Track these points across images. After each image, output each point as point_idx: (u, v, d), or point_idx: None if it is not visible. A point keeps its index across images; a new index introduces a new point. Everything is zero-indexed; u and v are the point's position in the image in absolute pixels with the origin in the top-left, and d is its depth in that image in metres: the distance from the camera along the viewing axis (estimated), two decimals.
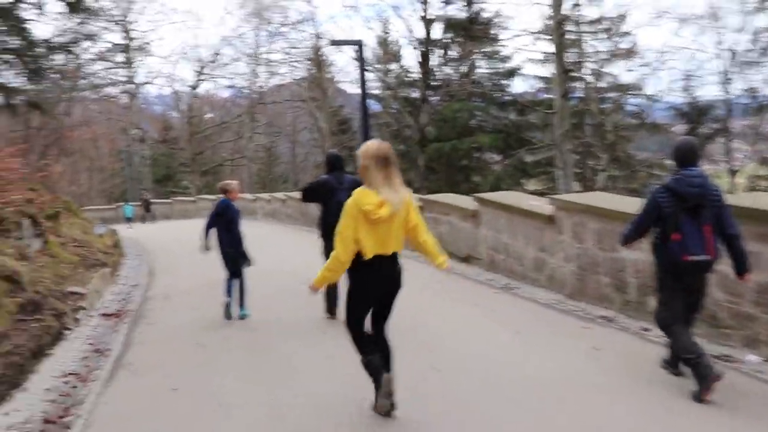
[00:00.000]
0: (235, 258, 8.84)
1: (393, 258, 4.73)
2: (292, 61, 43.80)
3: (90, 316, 9.78)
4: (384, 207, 4.50)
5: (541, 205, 9.31)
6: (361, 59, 19.34)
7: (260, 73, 45.85)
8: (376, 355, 4.83)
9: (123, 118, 51.77)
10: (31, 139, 22.15)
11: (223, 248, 8.89)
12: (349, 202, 4.59)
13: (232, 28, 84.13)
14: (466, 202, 12.17)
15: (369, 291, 4.82)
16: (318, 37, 38.56)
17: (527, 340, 6.92)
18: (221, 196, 9.08)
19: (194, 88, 48.19)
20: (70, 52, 25.06)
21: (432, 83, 31.06)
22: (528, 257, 9.49)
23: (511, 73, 30.16)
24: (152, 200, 39.88)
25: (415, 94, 33.27)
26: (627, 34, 28.32)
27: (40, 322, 7.93)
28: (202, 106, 56.61)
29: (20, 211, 11.87)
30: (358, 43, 19.45)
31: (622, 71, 33.43)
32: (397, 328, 7.67)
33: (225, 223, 8.81)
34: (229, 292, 8.82)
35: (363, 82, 19.32)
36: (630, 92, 28.44)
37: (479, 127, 30.57)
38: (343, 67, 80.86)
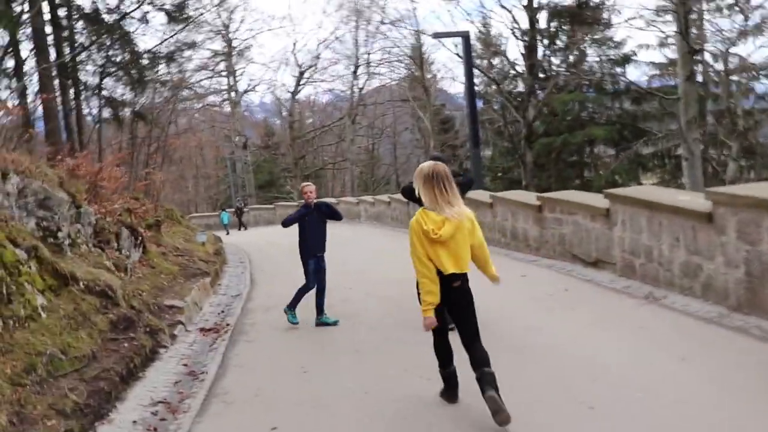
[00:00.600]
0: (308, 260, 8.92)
1: (460, 276, 4.82)
2: (392, 61, 43.09)
3: (187, 332, 9.11)
4: (445, 227, 4.61)
5: (693, 201, 7.94)
6: (467, 51, 18.25)
7: (360, 74, 45.34)
8: (452, 368, 5.11)
9: (226, 125, 52.57)
10: (135, 149, 22.23)
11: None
12: (412, 222, 4.77)
13: (331, 31, 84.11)
14: (594, 199, 10.86)
15: (449, 305, 4.92)
16: (419, 33, 37.61)
17: (699, 370, 5.50)
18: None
19: (295, 93, 48.30)
20: (173, 61, 25.26)
21: (538, 75, 29.50)
22: (676, 262, 8.13)
23: (625, 59, 28.18)
24: (245, 207, 40.03)
25: (521, 87, 31.81)
26: (758, 7, 25.78)
27: (132, 341, 7.26)
28: (303, 111, 56.85)
29: (120, 221, 11.43)
30: (464, 35, 18.38)
31: (751, 50, 30.68)
32: (523, 347, 6.62)
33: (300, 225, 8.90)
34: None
35: (470, 74, 18.25)
36: (763, 72, 25.90)
37: (590, 119, 28.78)
38: (444, 64, 79.40)
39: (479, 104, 48.69)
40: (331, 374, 6.39)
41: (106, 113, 23.73)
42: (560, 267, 11.35)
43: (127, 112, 23.80)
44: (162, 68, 25.20)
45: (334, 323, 8.64)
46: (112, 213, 11.31)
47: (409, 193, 7.57)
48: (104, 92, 22.16)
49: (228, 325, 9.40)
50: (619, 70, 28.28)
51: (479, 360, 4.71)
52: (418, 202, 7.34)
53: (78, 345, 6.35)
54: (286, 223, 8.97)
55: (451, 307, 4.94)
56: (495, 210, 14.72)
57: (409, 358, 6.50)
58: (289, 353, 7.37)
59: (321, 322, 8.72)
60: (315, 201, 8.92)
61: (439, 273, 4.70)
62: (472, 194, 16.70)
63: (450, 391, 5.15)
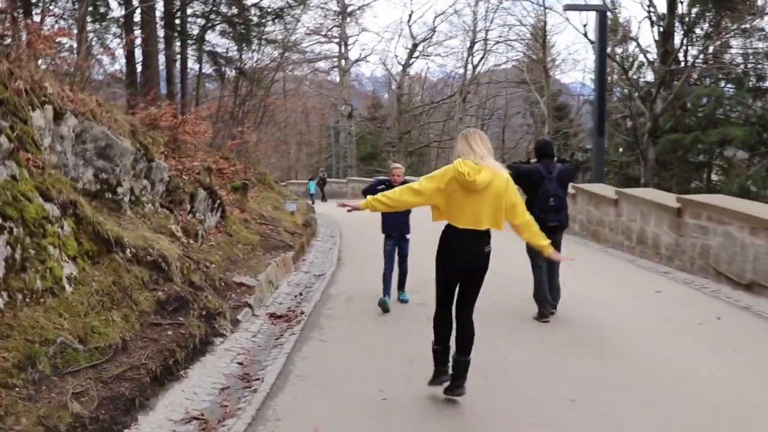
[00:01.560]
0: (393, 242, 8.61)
1: (484, 235, 4.63)
2: (511, 40, 40.76)
3: (255, 316, 7.80)
4: (482, 174, 4.46)
5: None
6: (602, 28, 16.19)
7: (476, 51, 43.20)
8: (446, 346, 4.85)
9: (333, 93, 51.62)
10: (230, 105, 21.26)
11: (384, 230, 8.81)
12: (448, 166, 4.63)
13: (450, 3, 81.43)
14: (758, 209, 8.85)
15: (453, 264, 4.70)
16: (546, 8, 35.04)
17: None
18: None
19: (406, 66, 46.60)
20: (281, 18, 24.11)
21: (672, 65, 26.76)
22: None
23: None
24: (327, 178, 38.91)
25: (649, 77, 29.12)
26: None
27: (180, 327, 5.95)
28: (413, 86, 55.22)
29: (197, 181, 10.24)
30: (601, 9, 16.29)
31: None
32: (677, 404, 4.86)
33: None
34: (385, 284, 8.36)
35: (603, 54, 16.26)
36: None
37: (725, 117, 25.87)
38: (563, 49, 75.57)
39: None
40: (417, 407, 4.86)
41: (209, 68, 22.93)
42: (700, 284, 9.41)
43: (230, 68, 22.89)
44: (270, 26, 24.11)
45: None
46: (190, 171, 10.11)
47: (516, 178, 6.64)
48: (207, 46, 21.26)
49: (302, 313, 8.02)
50: (766, 65, 25.23)
51: (463, 346, 4.76)
52: (522, 185, 6.95)
53: (105, 331, 5.06)
54: (365, 191, 8.18)
55: (465, 270, 4.70)
56: (620, 208, 12.78)
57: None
58: (367, 366, 5.87)
59: (399, 299, 8.52)
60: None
61: (454, 229, 4.61)
62: (592, 187, 14.82)
63: (439, 375, 4.91)
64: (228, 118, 20.05)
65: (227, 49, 22.84)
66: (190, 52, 22.07)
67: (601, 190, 14.30)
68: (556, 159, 7.42)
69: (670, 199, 11.23)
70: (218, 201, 10.60)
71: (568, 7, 19.01)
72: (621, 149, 36.42)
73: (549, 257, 5.11)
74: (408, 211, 8.03)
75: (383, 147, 56.63)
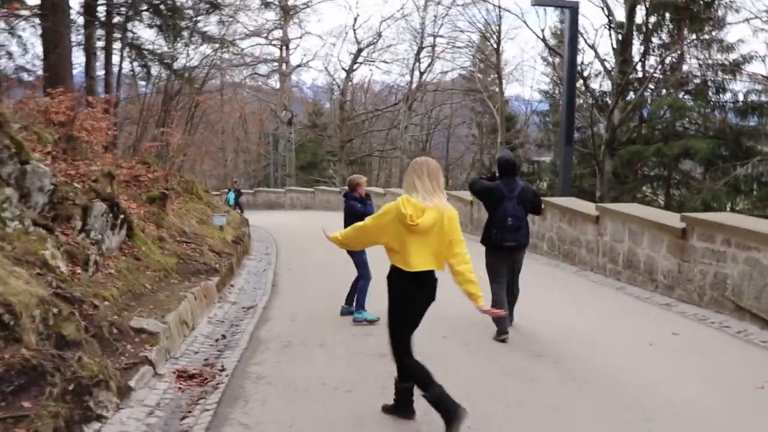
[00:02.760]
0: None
1: (432, 274, 4.47)
2: (460, 47, 39.13)
3: (157, 376, 5.70)
4: (426, 215, 4.30)
5: None
6: (573, 26, 14.57)
7: (423, 57, 41.40)
8: (441, 386, 4.33)
9: (273, 99, 49.34)
10: (161, 107, 18.96)
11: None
12: (392, 203, 4.43)
13: (398, 8, 79.33)
14: None
15: (412, 306, 4.50)
16: (501, 9, 33.27)
17: None
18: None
19: (350, 71, 44.60)
20: (217, 7, 21.91)
21: (629, 75, 25.48)
22: None
23: (736, 66, 23.97)
24: (242, 189, 35.84)
25: (605, 87, 27.80)
26: None
27: (18, 421, 3.83)
28: (356, 93, 53.32)
29: (93, 190, 8.05)
30: (573, 6, 14.63)
31: None
32: None
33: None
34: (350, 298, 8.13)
35: (573, 54, 14.65)
36: None
37: (684, 130, 24.70)
38: (510, 60, 74.60)
39: (545, 106, 44.85)
40: None
41: (134, 64, 20.58)
42: (718, 322, 7.72)
43: (157, 64, 20.57)
44: (204, 18, 21.88)
45: (376, 320, 7.58)
46: (85, 177, 7.93)
47: (476, 194, 7.59)
48: (131, 38, 18.90)
49: (222, 370, 5.97)
50: (726, 77, 24.09)
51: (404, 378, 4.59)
52: (483, 202, 7.34)
53: None
54: (351, 218, 7.72)
55: (422, 305, 4.53)
56: (602, 226, 11.09)
57: None
58: None
59: (361, 317, 7.83)
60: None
61: (401, 272, 4.41)
62: (565, 201, 13.18)
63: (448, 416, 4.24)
64: (151, 119, 17.75)
65: (154, 43, 20.57)
66: (117, 46, 19.77)
67: (576, 205, 12.62)
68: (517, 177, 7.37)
69: (670, 218, 9.55)
70: (122, 216, 8.43)
71: (538, 2, 17.36)
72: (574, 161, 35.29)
73: (480, 309, 4.48)
74: None
75: (324, 156, 54.61)
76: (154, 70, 21.13)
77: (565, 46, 15.18)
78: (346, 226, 7.43)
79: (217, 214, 14.13)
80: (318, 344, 6.77)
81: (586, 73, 26.92)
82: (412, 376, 4.52)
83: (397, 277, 4.47)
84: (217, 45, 22.56)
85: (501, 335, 6.75)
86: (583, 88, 26.69)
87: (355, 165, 51.14)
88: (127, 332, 6.08)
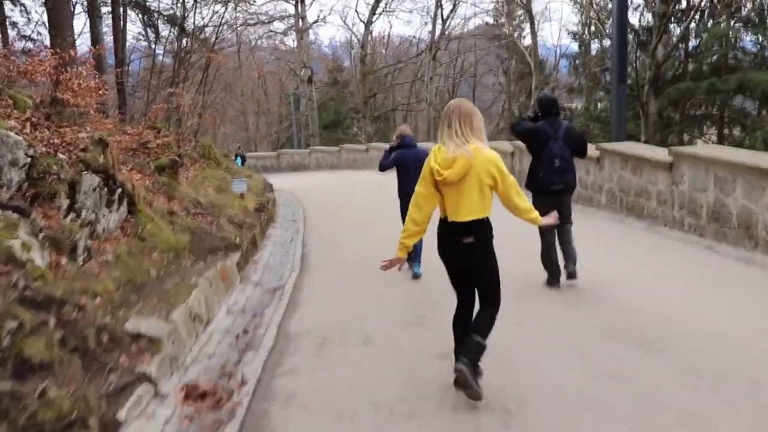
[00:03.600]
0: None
1: (469, 226, 4.06)
2: None
3: (158, 398, 4.43)
4: (455, 166, 3.97)
5: None
6: None
7: (445, 3, 39.28)
8: (466, 359, 3.96)
9: (291, 58, 47.66)
10: (173, 68, 17.57)
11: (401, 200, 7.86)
12: (428, 158, 4.20)
13: None
14: None
15: (445, 259, 4.26)
16: None
17: None
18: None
19: (368, 23, 42.63)
20: None
21: (672, 7, 23.44)
22: None
23: None
24: (245, 154, 34.29)
25: (645, 21, 25.71)
26: None
27: None
28: (376, 47, 51.40)
29: (82, 161, 6.72)
30: None
31: None
32: None
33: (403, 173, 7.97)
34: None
35: None
36: None
37: (737, 63, 22.71)
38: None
39: (574, 48, 42.63)
40: None
41: (141, 26, 19.23)
42: None
43: (166, 24, 19.17)
44: None
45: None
46: (72, 147, 6.59)
47: (520, 136, 7.07)
48: None
49: (243, 384, 4.68)
50: None
51: (477, 325, 4.15)
52: (528, 144, 6.99)
53: None
54: (382, 165, 8.30)
55: (466, 266, 4.19)
56: (677, 173, 9.57)
57: None
58: None
59: (414, 272, 7.72)
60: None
61: (445, 221, 4.16)
62: (627, 147, 11.66)
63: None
64: (161, 82, 16.40)
65: (161, 1, 19.14)
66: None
67: (641, 150, 11.08)
68: (561, 117, 6.96)
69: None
70: (120, 189, 7.11)
71: None
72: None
73: (544, 225, 4.54)
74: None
75: (347, 113, 53.04)
76: (163, 30, 19.80)
77: None
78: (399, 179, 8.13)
79: (237, 179, 12.81)
80: (361, 341, 5.43)
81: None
82: (453, 324, 4.35)
83: (440, 226, 4.22)
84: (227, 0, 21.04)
85: (553, 284, 6.81)
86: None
87: (380, 121, 49.57)
88: (120, 340, 4.80)
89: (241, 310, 6.89)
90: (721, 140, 23.15)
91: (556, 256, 6.80)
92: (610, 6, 40.73)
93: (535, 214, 4.28)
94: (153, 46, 18.70)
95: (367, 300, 6.70)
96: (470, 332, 4.11)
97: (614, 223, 10.84)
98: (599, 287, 6.66)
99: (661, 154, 10.28)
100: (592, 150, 12.66)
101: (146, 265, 6.66)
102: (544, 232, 6.66)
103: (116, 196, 7.03)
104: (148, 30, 20.20)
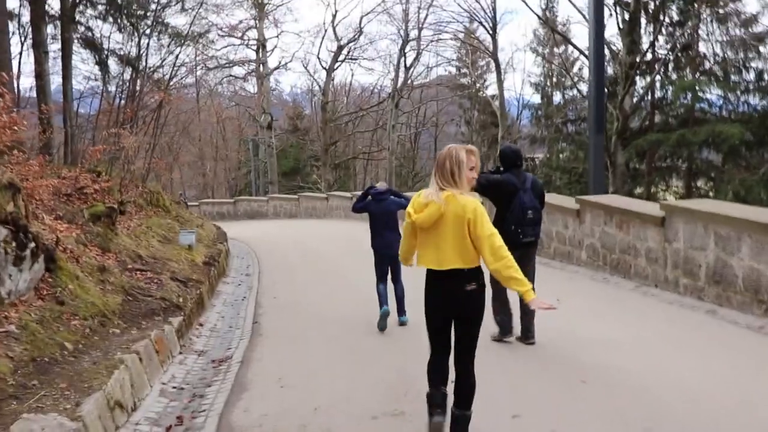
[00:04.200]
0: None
1: (451, 275, 3.97)
2: (445, 39, 36.74)
3: None
4: (426, 210, 3.97)
5: None
6: None
7: (408, 51, 38.78)
8: (440, 390, 4.07)
9: (251, 103, 46.81)
10: (120, 108, 16.45)
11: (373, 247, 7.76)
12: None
13: (379, 1, 76.31)
14: None
15: (428, 307, 4.15)
16: None
17: None
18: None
19: (330, 70, 42.01)
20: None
21: (639, 60, 23.14)
22: None
23: (759, 41, 21.61)
24: (188, 201, 32.91)
25: (610, 72, 25.33)
26: None
27: None
28: (338, 94, 50.86)
29: None
30: None
31: None
32: None
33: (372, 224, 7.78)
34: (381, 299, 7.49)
35: (600, 23, 12.24)
36: None
37: (704, 116, 22.41)
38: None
39: (537, 100, 42.59)
40: None
41: (88, 61, 18.16)
42: None
43: (115, 60, 18.10)
44: (170, 9, 19.45)
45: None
46: None
47: (485, 190, 6.51)
48: (81, 29, 16.42)
49: None
50: (749, 55, 21.81)
51: (462, 397, 4.08)
52: (492, 197, 6.64)
53: None
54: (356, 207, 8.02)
55: (438, 307, 4.11)
56: (670, 230, 8.72)
57: None
58: None
59: (400, 320, 7.64)
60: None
61: (429, 270, 4.12)
62: (612, 200, 10.87)
63: (432, 414, 4.06)
64: (110, 122, 15.26)
65: (111, 38, 18.06)
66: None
67: (629, 204, 10.26)
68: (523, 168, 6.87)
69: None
70: (34, 244, 5.95)
71: None
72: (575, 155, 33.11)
73: (531, 306, 4.02)
74: (397, 225, 7.42)
75: (307, 161, 52.18)
76: (116, 70, 18.71)
77: (590, 10, 12.78)
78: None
79: (185, 230, 11.64)
80: None
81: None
82: (427, 371, 4.21)
83: (426, 273, 4.15)
84: (183, 39, 20.08)
85: (504, 335, 6.56)
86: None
87: (340, 169, 48.75)
88: None
89: (178, 389, 5.73)
90: (689, 193, 22.70)
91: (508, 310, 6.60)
92: (572, 58, 41.19)
93: (527, 287, 3.92)
94: (101, 85, 17.52)
95: (332, 383, 5.59)
96: (459, 407, 4.06)
97: (599, 283, 9.93)
98: (607, 368, 5.68)
99: (651, 208, 9.45)
100: (571, 203, 11.87)
101: (61, 337, 5.49)
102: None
103: (28, 252, 5.87)
104: (101, 68, 19.08)
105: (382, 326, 7.40)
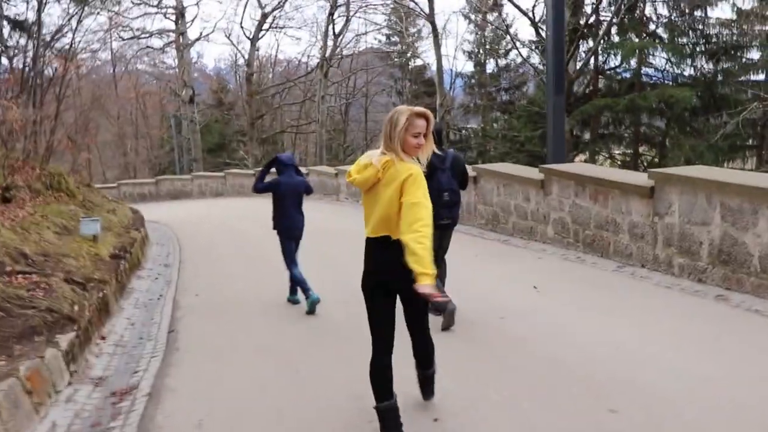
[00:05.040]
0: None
1: (383, 242, 3.67)
2: (377, 2, 35.05)
3: None
4: (363, 173, 3.70)
5: None
6: None
7: (337, 18, 36.82)
8: (391, 404, 3.71)
9: (172, 78, 44.28)
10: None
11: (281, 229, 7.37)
12: None
13: None
14: None
15: (365, 277, 3.82)
16: None
17: None
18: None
19: (254, 39, 39.75)
20: None
21: (585, 22, 22.00)
22: None
23: (704, 2, 20.73)
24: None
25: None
26: None
27: None
28: (264, 66, 48.60)
29: None
30: None
31: None
32: None
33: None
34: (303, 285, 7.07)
35: None
36: None
37: (649, 80, 21.49)
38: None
39: (470, 68, 41.40)
40: None
41: None
42: None
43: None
44: None
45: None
46: None
47: None
48: None
49: None
50: (697, 14, 20.91)
51: (422, 358, 4.07)
52: None
53: None
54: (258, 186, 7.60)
55: (372, 276, 3.78)
56: (660, 201, 7.52)
57: None
58: None
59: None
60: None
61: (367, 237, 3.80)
62: (577, 168, 9.67)
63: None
64: None
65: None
66: None
67: (609, 173, 9.03)
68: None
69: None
70: None
71: None
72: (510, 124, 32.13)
73: (419, 291, 3.33)
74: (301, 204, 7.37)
75: (233, 136, 49.94)
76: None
77: None
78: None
79: (87, 218, 9.83)
80: None
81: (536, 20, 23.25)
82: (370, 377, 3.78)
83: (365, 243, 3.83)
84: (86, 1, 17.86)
85: (447, 322, 5.91)
86: (536, 34, 23.12)
87: (268, 144, 46.76)
88: None
89: None
90: (636, 161, 21.85)
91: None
92: (506, 24, 40.10)
93: (427, 270, 3.36)
94: None
95: (269, 424, 4.13)
96: (422, 367, 4.12)
97: (572, 263, 8.69)
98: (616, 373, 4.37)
99: (635, 177, 8.24)
100: (533, 173, 10.59)
101: None
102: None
103: None
104: None
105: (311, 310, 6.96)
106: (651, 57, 21.20)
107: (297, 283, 7.18)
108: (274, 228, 7.35)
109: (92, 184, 18.59)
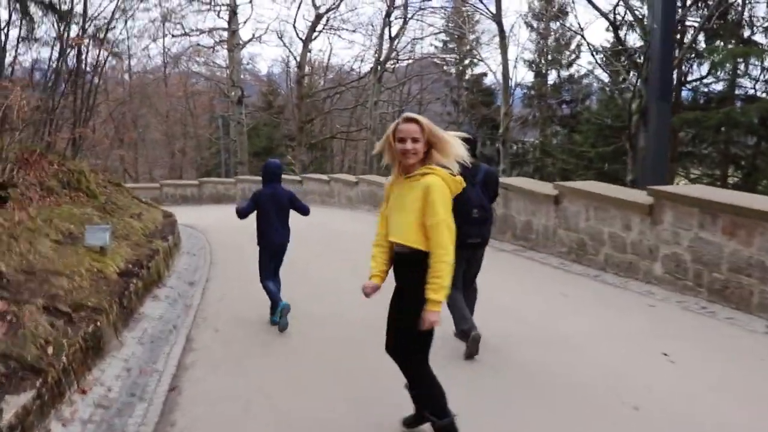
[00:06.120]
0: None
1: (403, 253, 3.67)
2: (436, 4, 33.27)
3: None
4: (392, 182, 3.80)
5: None
6: None
7: (394, 20, 35.10)
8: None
9: (222, 78, 43.17)
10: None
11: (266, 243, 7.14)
12: None
13: None
14: None
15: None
16: None
17: None
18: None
19: (307, 41, 38.32)
20: None
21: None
22: None
23: None
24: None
25: (631, 41, 22.05)
26: None
27: None
28: (316, 70, 47.18)
29: None
30: None
31: None
32: None
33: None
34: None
35: None
36: None
37: (744, 94, 19.25)
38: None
39: (530, 78, 39.36)
40: None
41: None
42: None
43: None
44: None
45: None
46: None
47: None
48: None
49: None
50: None
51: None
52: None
53: None
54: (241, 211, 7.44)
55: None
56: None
57: None
58: None
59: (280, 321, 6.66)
60: None
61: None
62: (695, 190, 7.65)
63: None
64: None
65: None
66: None
67: (752, 202, 7.04)
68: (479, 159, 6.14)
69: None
70: None
71: None
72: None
73: (425, 317, 3.46)
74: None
75: (281, 140, 48.53)
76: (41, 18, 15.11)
77: None
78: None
79: (94, 226, 8.20)
80: None
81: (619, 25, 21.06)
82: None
83: None
84: None
85: (471, 350, 5.54)
86: (616, 39, 21.00)
87: (316, 149, 45.31)
88: None
89: None
90: (724, 183, 19.56)
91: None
92: (569, 34, 37.93)
93: (442, 293, 3.42)
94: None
95: None
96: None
97: (703, 317, 6.73)
98: None
99: (713, 195, 6.27)
100: (640, 196, 8.65)
101: None
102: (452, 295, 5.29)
103: None
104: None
105: (284, 324, 6.54)
106: (750, 66, 18.86)
107: (268, 292, 6.82)
108: (258, 243, 7.05)
109: (123, 183, 17.07)
